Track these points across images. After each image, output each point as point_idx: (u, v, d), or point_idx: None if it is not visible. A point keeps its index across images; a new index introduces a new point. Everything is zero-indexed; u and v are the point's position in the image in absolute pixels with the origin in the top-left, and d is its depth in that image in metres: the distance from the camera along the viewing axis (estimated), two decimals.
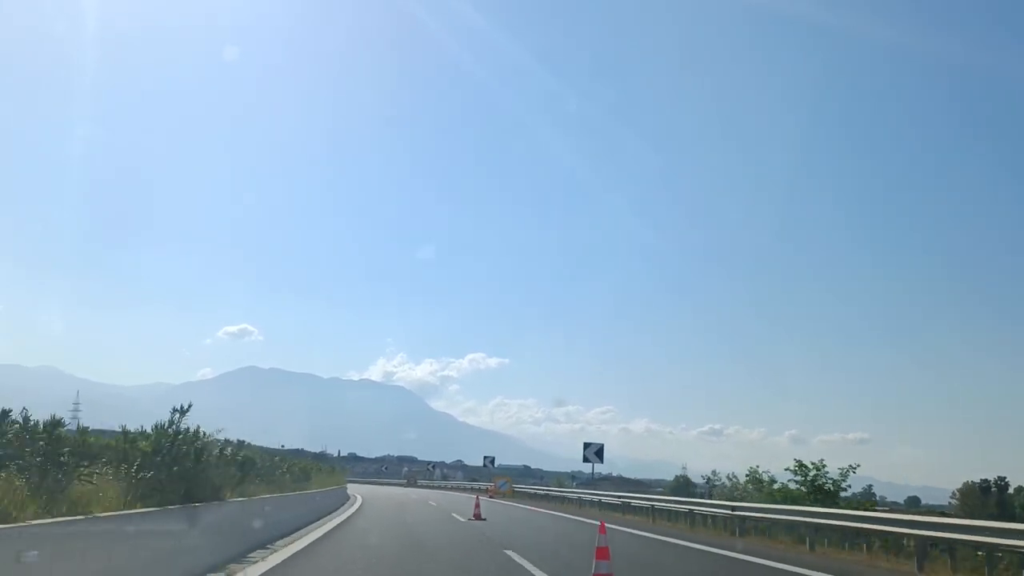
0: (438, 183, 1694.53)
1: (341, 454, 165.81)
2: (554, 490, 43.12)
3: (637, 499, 28.01)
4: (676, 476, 73.00)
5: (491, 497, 39.94)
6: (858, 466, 21.27)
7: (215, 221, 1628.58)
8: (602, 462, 35.53)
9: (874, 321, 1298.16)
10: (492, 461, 58.00)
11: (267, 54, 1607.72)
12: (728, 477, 28.05)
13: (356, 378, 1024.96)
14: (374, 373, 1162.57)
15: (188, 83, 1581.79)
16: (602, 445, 35.17)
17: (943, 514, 26.76)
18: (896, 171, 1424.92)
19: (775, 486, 22.86)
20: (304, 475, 22.71)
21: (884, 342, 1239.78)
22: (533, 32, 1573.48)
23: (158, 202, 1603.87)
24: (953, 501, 71.59)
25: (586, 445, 35.04)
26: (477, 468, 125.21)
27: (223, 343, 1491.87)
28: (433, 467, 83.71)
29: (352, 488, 45.65)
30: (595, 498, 32.61)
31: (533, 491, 45.86)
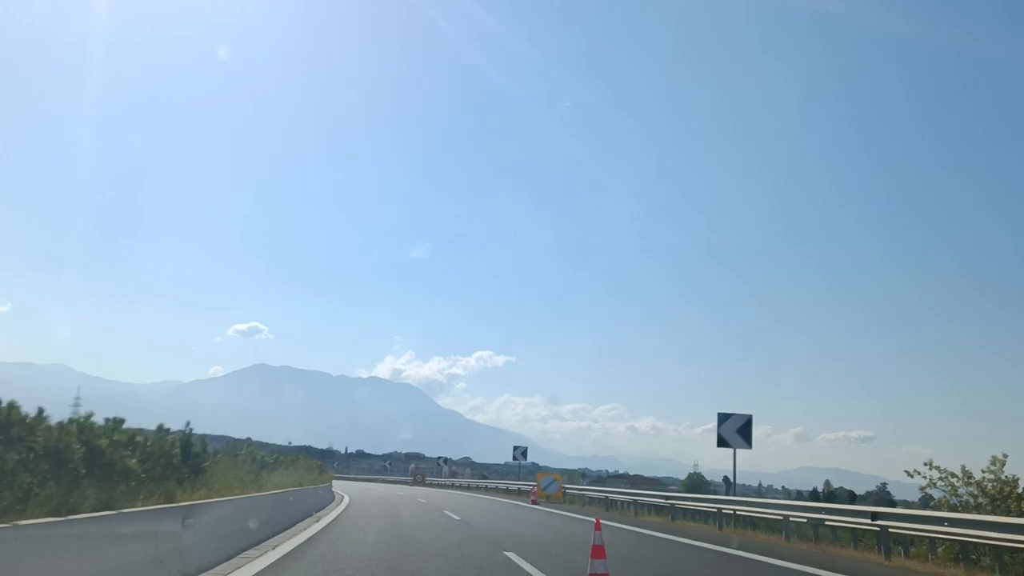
0: (446, 182, 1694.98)
1: (349, 451, 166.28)
2: (614, 492, 31.46)
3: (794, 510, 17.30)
4: (689, 474, 72.32)
5: (533, 502, 30.16)
6: None
7: (225, 220, 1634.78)
8: (750, 445, 21.64)
9: (878, 318, 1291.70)
10: (524, 453, 47.53)
11: (274, 52, 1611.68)
12: (948, 479, 15.56)
13: (365, 376, 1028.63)
14: (382, 371, 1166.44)
15: (197, 82, 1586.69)
16: (749, 417, 21.54)
17: None
18: (904, 168, 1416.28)
19: None
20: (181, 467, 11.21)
21: (888, 339, 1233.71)
22: (537, 27, 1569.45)
23: (169, 201, 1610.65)
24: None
25: (723, 418, 21.39)
26: (488, 465, 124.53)
27: (233, 341, 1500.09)
28: (444, 462, 72.27)
29: (349, 487, 41.71)
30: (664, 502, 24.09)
31: (587, 493, 33.31)
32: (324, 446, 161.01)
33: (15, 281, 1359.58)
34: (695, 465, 79.85)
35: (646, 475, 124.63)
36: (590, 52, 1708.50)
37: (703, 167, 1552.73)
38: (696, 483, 62.97)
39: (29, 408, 7.05)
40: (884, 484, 70.36)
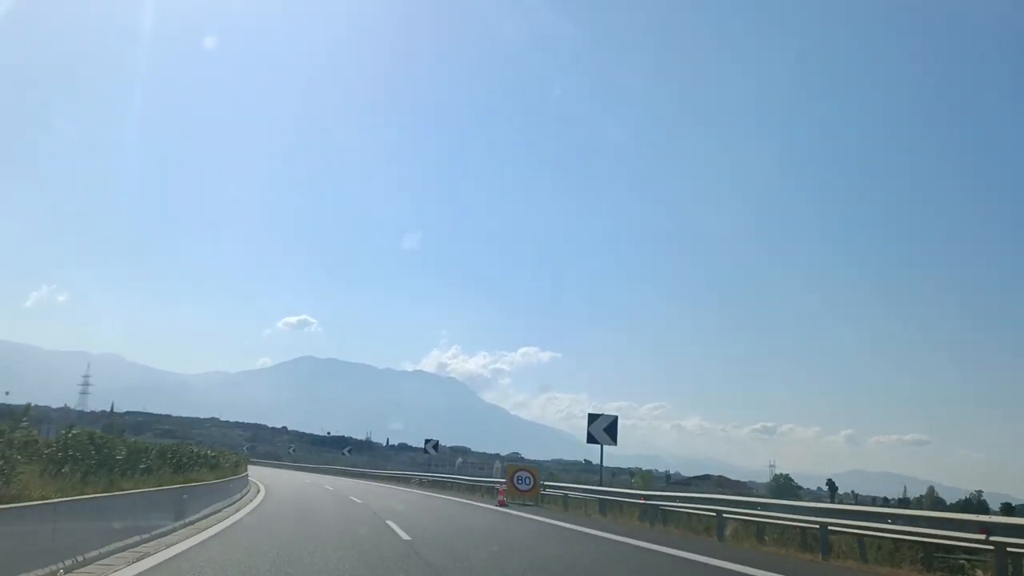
0: (493, 178, 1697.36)
1: (390, 443, 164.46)
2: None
3: None
4: (775, 476, 66.04)
5: None
6: None
7: (280, 213, 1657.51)
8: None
9: (934, 320, 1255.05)
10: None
11: (320, 39, 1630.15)
12: None
13: (410, 369, 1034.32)
14: (428, 365, 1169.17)
15: (242, 73, 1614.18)
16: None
17: None
18: (945, 165, 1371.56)
19: None
20: None
21: (944, 342, 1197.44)
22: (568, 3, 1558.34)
23: (223, 194, 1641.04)
24: None
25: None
26: (538, 462, 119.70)
27: (283, 333, 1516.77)
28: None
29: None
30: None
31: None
32: (362, 437, 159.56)
33: (69, 271, 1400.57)
34: (771, 465, 74.52)
35: (688, 476, 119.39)
36: (651, 35, 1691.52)
37: (751, 153, 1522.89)
38: (785, 488, 57.10)
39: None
40: (979, 492, 63.75)
